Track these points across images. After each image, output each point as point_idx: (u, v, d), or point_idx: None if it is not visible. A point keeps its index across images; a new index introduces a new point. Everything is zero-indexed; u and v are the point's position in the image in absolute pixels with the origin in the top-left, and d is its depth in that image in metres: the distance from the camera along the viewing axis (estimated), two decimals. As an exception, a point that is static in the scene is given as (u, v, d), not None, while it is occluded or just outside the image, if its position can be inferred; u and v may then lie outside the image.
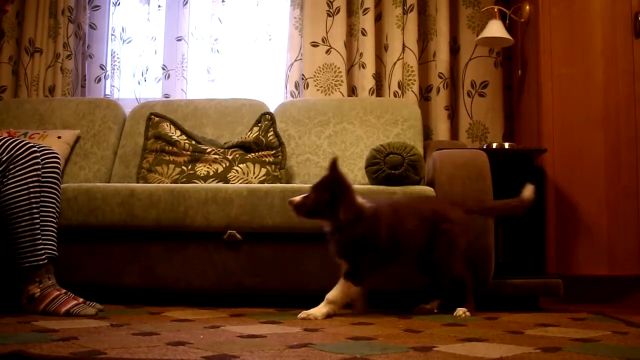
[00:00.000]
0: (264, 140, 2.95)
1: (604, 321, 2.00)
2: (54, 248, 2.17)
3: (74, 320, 1.88)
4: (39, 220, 2.08)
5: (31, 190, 2.06)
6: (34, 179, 2.07)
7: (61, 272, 2.18)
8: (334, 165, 2.00)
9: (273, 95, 3.61)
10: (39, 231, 2.07)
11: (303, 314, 2.00)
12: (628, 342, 1.57)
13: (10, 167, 2.05)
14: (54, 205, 2.22)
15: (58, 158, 2.27)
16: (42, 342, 1.45)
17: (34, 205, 2.07)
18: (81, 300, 2.09)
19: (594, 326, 1.87)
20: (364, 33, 3.46)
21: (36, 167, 2.08)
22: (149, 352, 1.34)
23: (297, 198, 2.02)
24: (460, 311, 2.12)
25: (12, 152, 2.06)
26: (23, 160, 2.06)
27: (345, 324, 1.88)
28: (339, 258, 2.05)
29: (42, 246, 2.07)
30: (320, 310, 2.00)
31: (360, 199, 2.04)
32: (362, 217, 2.01)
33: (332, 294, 2.03)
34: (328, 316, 2.01)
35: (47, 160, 2.21)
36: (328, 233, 2.08)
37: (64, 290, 2.10)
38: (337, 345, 1.47)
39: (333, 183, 2.00)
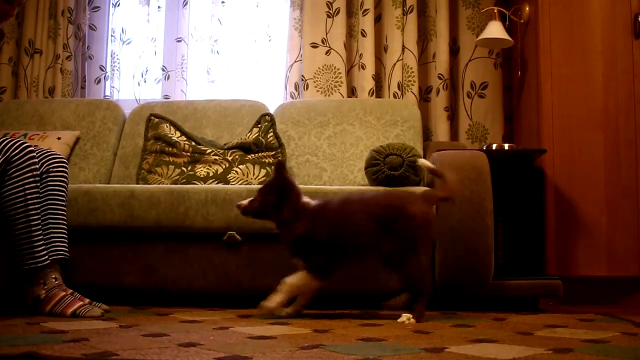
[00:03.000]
0: (263, 141, 2.95)
1: (612, 322, 2.01)
2: (64, 249, 2.18)
3: (82, 322, 1.88)
4: (37, 222, 2.06)
5: (27, 192, 2.04)
6: (31, 179, 2.06)
7: (62, 273, 2.18)
8: (280, 167, 2.08)
9: (273, 96, 3.61)
10: (37, 233, 2.06)
11: (262, 306, 2.03)
12: (639, 343, 1.57)
13: (7, 168, 2.04)
14: (63, 207, 2.23)
15: (65, 162, 2.29)
16: (53, 343, 1.45)
17: (31, 207, 2.05)
18: (87, 301, 2.10)
19: (603, 327, 1.87)
20: (363, 34, 3.47)
21: (33, 168, 2.07)
22: (160, 353, 1.34)
23: (244, 202, 2.10)
24: (405, 317, 1.97)
25: (9, 153, 2.04)
26: (19, 162, 2.05)
27: (354, 324, 1.89)
28: (292, 257, 2.08)
29: (42, 248, 2.06)
30: (274, 299, 2.03)
31: (305, 199, 2.08)
32: (302, 216, 2.05)
33: (292, 279, 2.04)
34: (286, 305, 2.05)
35: (54, 164, 2.23)
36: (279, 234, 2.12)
37: (70, 291, 2.10)
38: (348, 347, 1.47)
39: (278, 185, 2.06)
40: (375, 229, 2.02)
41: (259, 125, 3.01)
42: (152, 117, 3.08)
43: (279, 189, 2.05)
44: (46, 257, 2.07)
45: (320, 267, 2.05)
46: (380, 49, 3.54)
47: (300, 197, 2.08)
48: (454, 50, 3.53)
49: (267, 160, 2.93)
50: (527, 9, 3.19)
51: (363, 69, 3.46)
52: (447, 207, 2.37)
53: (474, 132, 3.47)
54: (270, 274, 2.40)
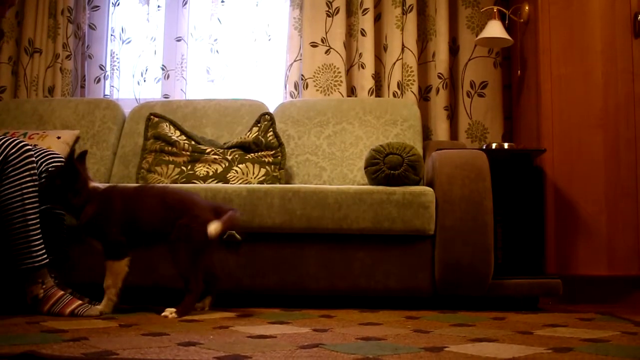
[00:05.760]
0: (263, 140, 2.95)
1: (612, 321, 2.01)
2: (63, 249, 2.19)
3: (82, 321, 1.88)
4: (35, 222, 2.05)
5: (25, 191, 2.04)
6: (28, 179, 2.05)
7: (61, 272, 2.18)
8: (69, 157, 2.12)
9: (272, 95, 3.61)
10: (35, 232, 2.05)
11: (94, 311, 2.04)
12: (638, 342, 1.57)
13: (5, 167, 2.03)
14: None
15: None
16: (52, 342, 1.45)
17: (29, 207, 2.04)
18: (86, 300, 2.10)
19: (602, 326, 1.87)
20: (363, 33, 3.47)
21: (31, 167, 2.06)
22: (160, 352, 1.35)
23: None
24: (168, 312, 2.02)
25: (6, 152, 2.03)
26: (17, 161, 2.04)
27: (353, 324, 1.89)
28: (90, 239, 2.12)
29: (40, 247, 2.05)
30: (103, 303, 2.07)
31: (93, 184, 2.15)
32: (92, 199, 2.11)
33: (106, 281, 2.08)
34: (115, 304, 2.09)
35: (53, 164, 2.23)
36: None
37: (69, 290, 2.10)
38: (348, 346, 1.47)
39: (64, 171, 2.10)
40: (165, 218, 2.10)
41: (259, 125, 3.01)
42: (151, 117, 3.08)
43: (65, 175, 2.10)
44: (44, 256, 2.06)
45: (115, 247, 2.10)
46: (380, 48, 3.54)
47: (87, 182, 2.13)
48: (453, 49, 3.53)
49: (266, 160, 2.92)
50: (527, 8, 3.19)
51: (363, 68, 3.45)
52: (447, 206, 2.37)
53: (474, 131, 3.47)
54: (269, 273, 2.41)
